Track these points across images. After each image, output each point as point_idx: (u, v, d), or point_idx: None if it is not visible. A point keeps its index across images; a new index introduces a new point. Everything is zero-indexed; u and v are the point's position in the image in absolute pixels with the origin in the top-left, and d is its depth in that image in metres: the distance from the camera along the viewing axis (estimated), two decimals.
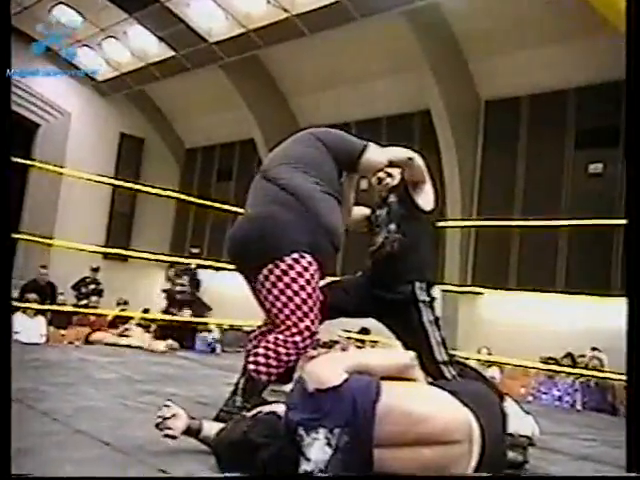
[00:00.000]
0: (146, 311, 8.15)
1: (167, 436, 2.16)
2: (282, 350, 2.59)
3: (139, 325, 7.34)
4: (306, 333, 2.62)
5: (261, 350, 2.61)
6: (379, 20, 10.01)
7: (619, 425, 2.85)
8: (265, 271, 2.62)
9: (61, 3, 11.99)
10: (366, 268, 3.20)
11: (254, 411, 2.15)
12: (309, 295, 2.63)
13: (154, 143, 16.49)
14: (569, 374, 6.41)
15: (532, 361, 6.75)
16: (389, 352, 2.89)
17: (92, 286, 11.27)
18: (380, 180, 3.15)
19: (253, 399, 2.57)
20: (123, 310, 9.34)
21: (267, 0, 10.46)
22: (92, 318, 8.18)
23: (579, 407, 5.90)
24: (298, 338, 2.61)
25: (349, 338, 8.55)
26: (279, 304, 2.62)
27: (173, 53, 12.78)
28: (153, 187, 7.23)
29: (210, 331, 6.69)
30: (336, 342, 8.38)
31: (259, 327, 3.07)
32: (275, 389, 3.02)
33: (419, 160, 3.01)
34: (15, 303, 7.45)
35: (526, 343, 8.32)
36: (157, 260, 13.68)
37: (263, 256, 2.63)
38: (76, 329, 7.66)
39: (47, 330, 7.53)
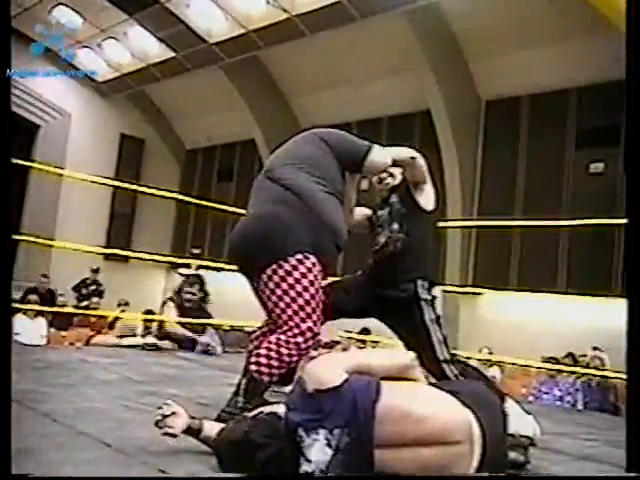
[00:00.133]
0: (148, 312, 8.13)
1: (167, 434, 2.16)
2: (284, 351, 2.59)
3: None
4: (308, 334, 2.62)
5: (263, 351, 2.61)
6: (379, 20, 10.01)
7: (621, 425, 2.84)
8: (269, 271, 2.61)
9: (61, 4, 11.99)
10: (366, 267, 3.20)
11: (255, 412, 2.15)
12: (312, 296, 2.63)
13: (154, 144, 16.50)
14: (570, 374, 6.41)
15: (533, 361, 6.75)
16: (389, 352, 2.89)
17: (93, 287, 11.30)
18: (381, 180, 3.15)
19: (255, 400, 2.56)
20: (124, 311, 9.33)
21: (267, 0, 10.46)
22: (93, 319, 8.18)
23: (580, 407, 5.89)
24: (300, 339, 2.60)
25: (350, 338, 8.55)
26: (282, 304, 2.61)
27: (173, 54, 12.79)
28: (154, 188, 7.23)
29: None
30: (337, 342, 8.37)
31: (260, 328, 3.06)
32: (276, 390, 3.02)
33: (421, 160, 3.01)
34: (16, 305, 7.46)
35: (527, 343, 8.32)
36: (158, 261, 13.71)
37: (267, 256, 2.62)
38: (77, 330, 7.66)
39: (48, 331, 7.53)
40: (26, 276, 13.15)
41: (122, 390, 3.52)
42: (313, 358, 2.27)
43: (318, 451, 1.92)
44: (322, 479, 1.89)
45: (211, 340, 6.36)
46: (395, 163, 2.98)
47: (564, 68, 9.63)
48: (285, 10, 10.49)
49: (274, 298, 2.63)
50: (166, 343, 6.36)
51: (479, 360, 7.20)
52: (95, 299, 10.72)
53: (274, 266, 2.60)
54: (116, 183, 10.59)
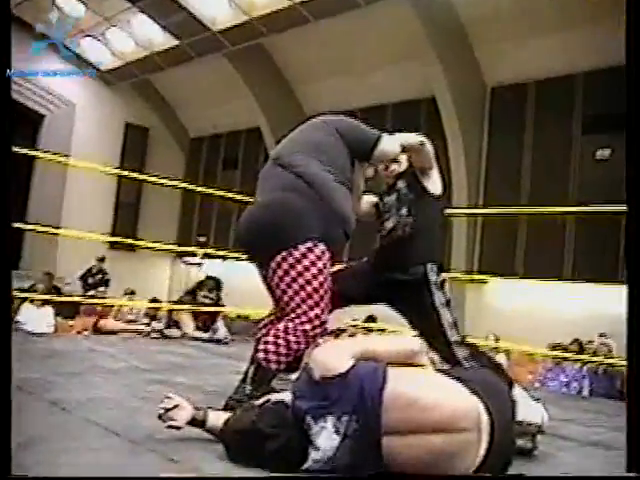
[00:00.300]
0: (154, 300, 8.16)
1: (171, 427, 2.17)
2: (292, 338, 2.59)
3: (146, 314, 7.37)
4: (316, 322, 2.62)
5: (271, 338, 2.61)
6: (384, 6, 9.96)
7: None
8: (278, 258, 2.61)
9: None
10: (373, 253, 3.20)
11: (262, 400, 2.15)
12: (321, 284, 2.63)
13: (159, 132, 16.51)
14: (576, 360, 6.40)
15: (540, 348, 6.75)
16: (396, 338, 2.88)
17: (99, 276, 11.33)
18: (387, 167, 3.15)
19: (262, 387, 2.57)
20: (130, 300, 9.35)
21: None
22: (99, 308, 8.21)
23: (586, 393, 5.89)
24: (308, 326, 2.60)
25: (356, 326, 8.56)
26: (290, 292, 2.61)
27: (177, 42, 12.75)
28: (159, 177, 7.23)
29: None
30: (343, 330, 8.38)
31: (268, 316, 3.06)
32: (283, 377, 3.02)
33: (429, 145, 3.00)
34: (23, 294, 7.49)
35: (533, 330, 8.32)
36: (165, 250, 13.74)
37: (276, 243, 2.62)
38: (83, 319, 7.68)
39: (55, 320, 7.56)
40: (32, 266, 13.23)
41: (130, 379, 3.53)
42: (319, 345, 2.27)
43: (326, 438, 1.93)
44: (326, 479, 1.90)
45: (224, 333, 6.42)
46: (403, 150, 2.97)
47: (570, 54, 9.56)
48: None
49: (283, 285, 2.63)
50: (173, 331, 6.39)
51: (485, 347, 7.19)
52: (101, 288, 10.75)
53: (283, 253, 2.60)
54: (122, 172, 10.59)
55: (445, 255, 9.40)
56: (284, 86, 13.54)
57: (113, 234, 14.76)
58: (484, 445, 1.93)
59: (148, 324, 6.71)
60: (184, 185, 9.34)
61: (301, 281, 2.60)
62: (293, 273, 2.60)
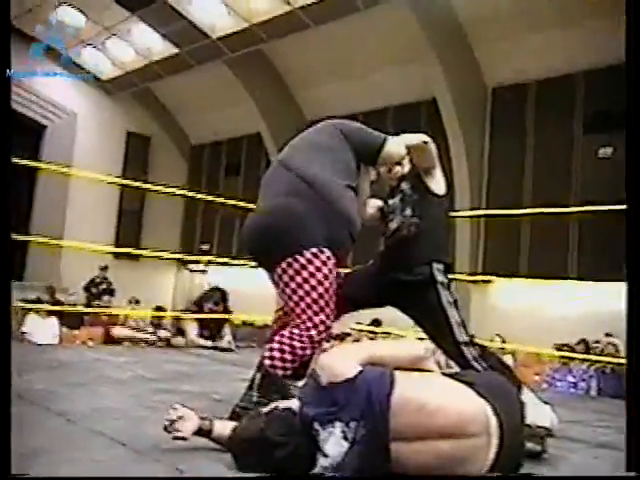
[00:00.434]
0: (158, 309, 8.16)
1: (176, 438, 2.15)
2: (297, 344, 2.59)
3: (152, 324, 7.36)
4: (321, 327, 2.62)
5: (276, 345, 2.60)
6: (383, 10, 9.96)
7: None
8: (283, 264, 2.61)
9: (64, 3, 11.98)
10: (378, 256, 3.19)
11: (269, 407, 2.14)
12: (326, 290, 2.63)
13: (161, 140, 16.53)
14: (583, 360, 6.38)
15: (546, 348, 6.73)
16: (402, 343, 2.87)
17: (103, 286, 11.32)
18: (390, 169, 3.14)
19: (269, 394, 2.56)
20: (134, 309, 9.36)
21: None
22: (104, 318, 8.21)
23: (593, 393, 5.86)
24: (314, 332, 2.60)
25: (361, 330, 8.55)
26: (296, 298, 2.61)
27: (177, 50, 12.77)
28: (161, 185, 7.24)
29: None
30: (348, 334, 8.37)
31: (276, 322, 3.06)
32: (289, 384, 3.01)
33: (432, 144, 3.00)
34: (28, 305, 7.50)
35: (539, 330, 8.30)
36: (169, 258, 13.74)
37: (281, 250, 2.62)
38: (88, 329, 7.68)
39: (60, 331, 7.56)
40: (37, 276, 13.24)
41: (136, 388, 3.53)
42: (325, 351, 2.26)
43: (334, 444, 1.91)
44: (330, 479, 1.89)
45: (230, 342, 6.43)
46: (408, 151, 2.96)
47: (570, 53, 9.55)
48: (288, 2, 10.44)
49: (288, 291, 2.63)
50: (179, 339, 6.39)
51: (491, 348, 7.16)
52: (106, 297, 10.75)
53: (289, 259, 2.60)
54: (125, 181, 10.60)
55: (450, 255, 9.38)
56: (284, 91, 13.55)
57: (117, 242, 14.79)
58: (493, 449, 1.92)
59: (154, 332, 6.72)
60: (187, 193, 9.33)
61: (306, 287, 2.60)
62: (298, 279, 2.60)
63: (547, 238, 9.89)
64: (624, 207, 2.46)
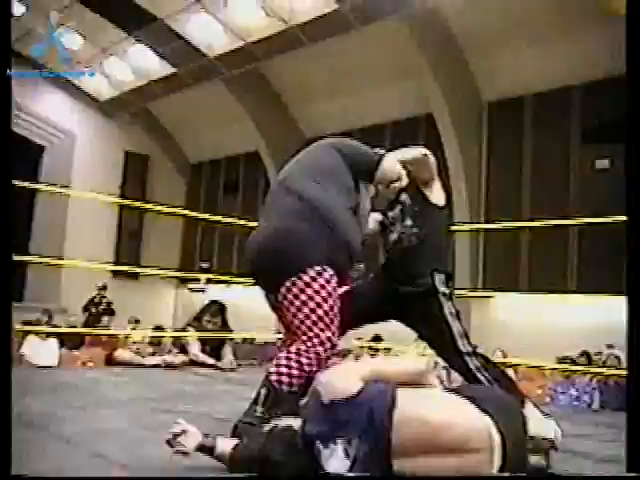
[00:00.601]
0: (158, 328, 8.13)
1: (179, 452, 2.14)
2: (304, 360, 2.60)
3: (151, 344, 7.32)
4: (328, 344, 2.64)
5: (283, 360, 2.62)
6: (378, 27, 10.01)
7: None
8: (288, 284, 2.64)
9: (61, 25, 12.04)
10: (379, 269, 3.19)
11: (270, 425, 2.12)
12: (331, 307, 2.66)
13: (159, 159, 16.56)
14: (586, 373, 6.35)
15: (548, 362, 6.70)
16: (404, 359, 2.86)
17: (102, 306, 11.26)
18: (388, 185, 3.14)
19: (274, 410, 2.56)
20: (134, 329, 9.31)
21: (265, 12, 10.48)
22: (104, 338, 8.16)
23: (596, 407, 5.83)
24: (320, 348, 2.62)
25: (362, 347, 8.51)
26: (301, 315, 2.63)
27: (174, 69, 12.83)
28: (160, 203, 7.25)
29: None
30: (349, 351, 8.33)
31: (282, 342, 3.07)
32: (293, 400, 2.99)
33: (431, 157, 3.02)
34: (26, 327, 7.46)
35: (541, 343, 8.26)
36: (169, 277, 13.72)
37: (284, 271, 2.65)
38: (88, 350, 7.64)
39: (59, 352, 7.51)
40: (37, 296, 13.21)
41: (137, 409, 3.51)
42: (327, 367, 2.25)
43: (337, 462, 1.90)
44: (325, 478, 1.87)
45: (232, 361, 6.40)
46: (405, 166, 2.97)
47: (565, 66, 9.59)
48: (284, 21, 10.51)
49: (293, 309, 2.65)
50: (181, 357, 6.36)
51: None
52: (106, 317, 10.69)
53: (293, 278, 2.63)
54: (124, 201, 10.62)
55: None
56: (282, 109, 13.60)
57: (116, 262, 14.77)
58: (497, 464, 1.90)
59: (154, 353, 6.68)
60: (186, 212, 9.36)
61: (311, 304, 2.62)
62: (303, 297, 2.62)
63: (546, 251, 9.89)
64: (624, 218, 2.46)
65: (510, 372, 8.01)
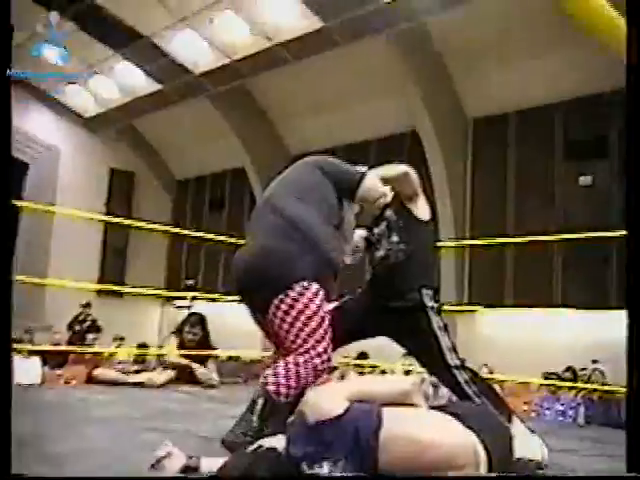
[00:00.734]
0: (142, 346, 8.08)
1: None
2: (303, 372, 2.61)
3: (136, 361, 7.27)
4: (324, 356, 2.66)
5: (281, 371, 2.62)
6: (362, 44, 10.08)
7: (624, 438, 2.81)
8: (276, 301, 2.66)
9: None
10: (366, 285, 3.20)
11: (254, 445, 2.11)
12: (322, 319, 2.68)
13: (145, 176, 16.51)
14: (571, 388, 6.37)
15: (534, 377, 6.72)
16: (389, 378, 2.87)
17: (87, 324, 11.15)
18: (374, 202, 3.16)
19: (268, 422, 2.55)
20: (119, 347, 9.25)
21: (250, 30, 10.53)
22: (88, 356, 8.09)
23: (581, 422, 5.84)
24: (317, 360, 2.64)
25: (347, 364, 8.48)
26: (295, 330, 2.65)
27: (160, 86, 12.84)
28: (145, 220, 7.22)
29: None
30: (335, 368, 8.29)
31: (273, 360, 3.05)
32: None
33: (413, 174, 3.03)
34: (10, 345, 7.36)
35: (526, 359, 8.28)
36: (153, 295, 13.63)
37: (272, 288, 2.68)
38: (72, 368, 7.57)
39: (42, 370, 7.43)
40: (19, 315, 13.05)
41: (121, 428, 3.47)
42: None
43: None
44: (324, 478, 1.86)
45: (213, 374, 6.35)
46: (388, 182, 3.00)
47: (549, 82, 9.70)
48: (269, 38, 10.55)
49: (285, 326, 2.66)
50: (165, 375, 6.30)
51: None
52: (91, 335, 10.58)
53: (280, 296, 2.65)
54: (110, 218, 10.57)
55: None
56: (267, 126, 13.63)
57: (101, 279, 14.67)
58: None
59: (138, 370, 6.62)
60: (171, 229, 9.35)
61: (303, 318, 2.64)
62: (293, 312, 2.64)
63: (531, 266, 9.94)
64: (611, 234, 2.49)
65: (496, 387, 8.03)
